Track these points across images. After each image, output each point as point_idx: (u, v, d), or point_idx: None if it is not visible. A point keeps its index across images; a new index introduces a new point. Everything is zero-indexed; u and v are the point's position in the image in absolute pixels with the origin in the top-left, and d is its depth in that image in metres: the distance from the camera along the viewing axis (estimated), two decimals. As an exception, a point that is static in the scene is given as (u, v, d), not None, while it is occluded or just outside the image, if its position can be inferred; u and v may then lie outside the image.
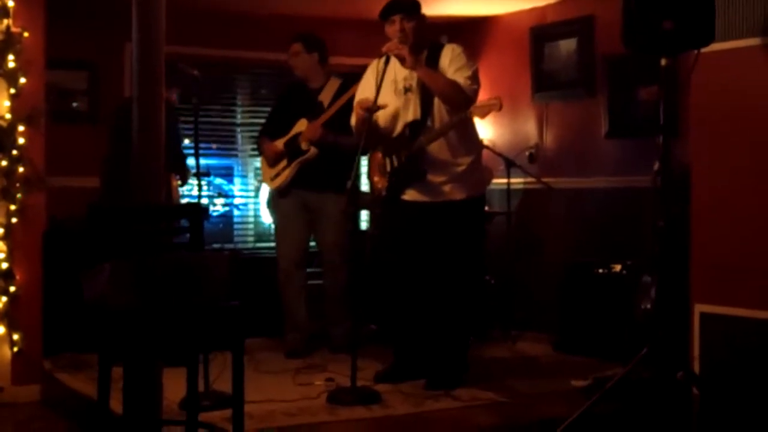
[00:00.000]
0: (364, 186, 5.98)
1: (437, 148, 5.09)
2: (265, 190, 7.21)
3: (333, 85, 6.17)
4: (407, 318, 5.27)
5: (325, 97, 6.14)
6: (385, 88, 5.05)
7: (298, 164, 6.10)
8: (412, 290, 5.20)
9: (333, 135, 5.94)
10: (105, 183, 6.13)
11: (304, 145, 6.08)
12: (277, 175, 6.19)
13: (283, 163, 6.16)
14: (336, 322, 6.13)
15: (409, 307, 5.24)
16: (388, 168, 5.18)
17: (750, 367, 4.46)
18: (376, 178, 5.25)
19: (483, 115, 5.07)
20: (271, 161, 6.20)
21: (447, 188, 5.12)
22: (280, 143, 6.18)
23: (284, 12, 7.04)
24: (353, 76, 5.84)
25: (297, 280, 6.19)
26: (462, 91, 4.99)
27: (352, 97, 5.43)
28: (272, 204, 6.42)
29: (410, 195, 5.16)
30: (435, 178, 5.10)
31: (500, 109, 5.01)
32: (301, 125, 6.12)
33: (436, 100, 5.07)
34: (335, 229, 6.04)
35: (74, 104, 6.74)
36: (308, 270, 6.35)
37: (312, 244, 6.39)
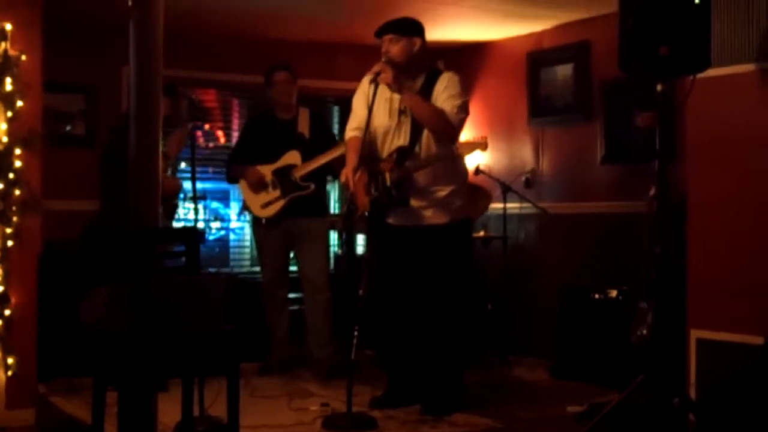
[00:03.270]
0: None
1: (421, 175, 5.08)
2: None
3: (304, 115, 6.22)
4: (402, 343, 5.25)
5: (303, 128, 6.18)
6: (379, 107, 5.04)
7: (293, 198, 6.10)
8: (406, 315, 5.19)
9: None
10: (105, 205, 6.09)
11: (300, 181, 6.10)
12: (269, 203, 6.15)
13: (277, 193, 6.13)
14: (320, 344, 6.13)
15: (404, 332, 5.22)
16: (373, 189, 5.17)
17: (746, 392, 4.44)
18: (360, 198, 5.22)
19: (468, 152, 5.23)
20: (256, 187, 6.15)
21: (429, 213, 5.11)
22: (266, 171, 6.14)
23: (281, 36, 7.06)
24: (318, 105, 6.25)
25: (277, 299, 6.25)
26: (447, 119, 4.97)
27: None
28: (253, 228, 6.39)
29: (395, 219, 5.17)
30: (416, 203, 5.10)
31: (485, 148, 5.35)
32: (293, 158, 6.12)
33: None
34: (316, 252, 6.14)
35: (68, 128, 6.70)
36: (292, 296, 6.37)
37: (293, 269, 6.41)
